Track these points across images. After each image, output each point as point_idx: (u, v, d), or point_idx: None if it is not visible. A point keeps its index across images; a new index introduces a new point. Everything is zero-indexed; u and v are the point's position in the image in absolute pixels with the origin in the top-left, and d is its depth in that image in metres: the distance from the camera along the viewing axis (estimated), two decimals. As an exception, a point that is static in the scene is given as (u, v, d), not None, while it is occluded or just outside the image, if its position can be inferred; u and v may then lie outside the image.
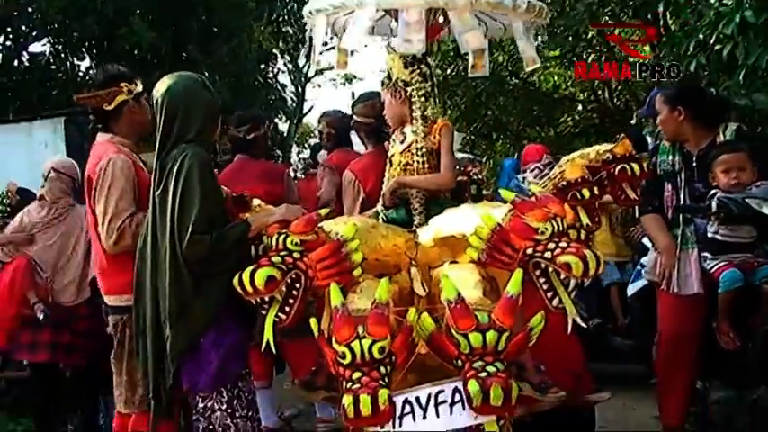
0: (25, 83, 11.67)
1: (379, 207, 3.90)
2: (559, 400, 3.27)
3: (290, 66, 19.48)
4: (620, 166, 3.34)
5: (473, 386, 2.53)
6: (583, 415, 4.13)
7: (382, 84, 4.11)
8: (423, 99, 3.82)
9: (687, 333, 4.09)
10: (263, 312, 2.89)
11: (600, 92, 14.06)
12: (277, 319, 2.86)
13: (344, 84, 23.44)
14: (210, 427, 3.16)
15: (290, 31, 14.78)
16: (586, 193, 3.25)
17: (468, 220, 3.06)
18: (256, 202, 3.56)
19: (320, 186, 5.48)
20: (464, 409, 2.62)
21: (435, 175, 3.76)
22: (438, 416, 2.65)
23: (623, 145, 3.43)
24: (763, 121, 7.64)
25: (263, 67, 13.97)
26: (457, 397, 2.64)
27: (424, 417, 2.64)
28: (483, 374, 2.56)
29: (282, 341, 4.63)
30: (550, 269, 2.79)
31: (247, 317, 3.19)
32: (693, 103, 4.19)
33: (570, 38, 11.44)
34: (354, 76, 23.34)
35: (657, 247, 4.22)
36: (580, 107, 14.65)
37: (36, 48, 12.07)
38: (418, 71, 3.81)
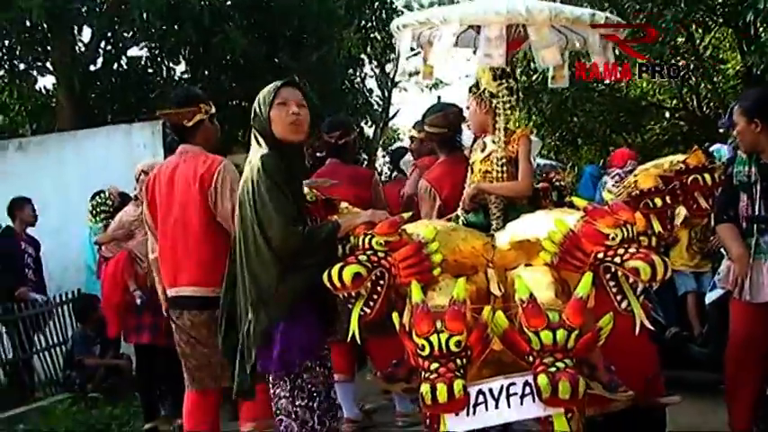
0: (124, 86, 12.16)
1: (459, 211, 4.09)
2: (629, 399, 3.42)
3: (377, 70, 19.71)
4: (692, 177, 3.47)
5: (542, 380, 2.73)
6: (654, 416, 4.23)
7: (470, 90, 4.28)
8: (507, 112, 4.01)
9: (757, 339, 4.18)
10: (350, 306, 3.12)
11: (688, 99, 13.94)
12: (362, 313, 3.09)
13: (431, 89, 23.59)
14: (277, 411, 3.37)
15: (378, 37, 15.04)
16: (659, 201, 3.41)
17: (542, 225, 3.22)
18: (344, 205, 3.80)
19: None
20: (534, 401, 2.82)
21: (513, 182, 3.94)
22: (509, 406, 2.86)
23: (696, 156, 3.56)
24: None
25: (350, 72, 14.27)
26: (527, 390, 2.84)
27: (497, 406, 2.86)
28: (552, 369, 2.76)
29: (366, 337, 4.92)
30: (620, 273, 2.94)
31: (324, 316, 3.42)
32: None
33: (658, 44, 11.38)
34: (441, 81, 23.52)
35: (731, 256, 4.32)
36: (668, 114, 14.54)
37: (134, 52, 12.57)
38: (506, 84, 3.99)
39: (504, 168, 3.96)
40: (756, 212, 4.21)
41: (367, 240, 3.12)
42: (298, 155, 3.51)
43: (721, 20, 12.20)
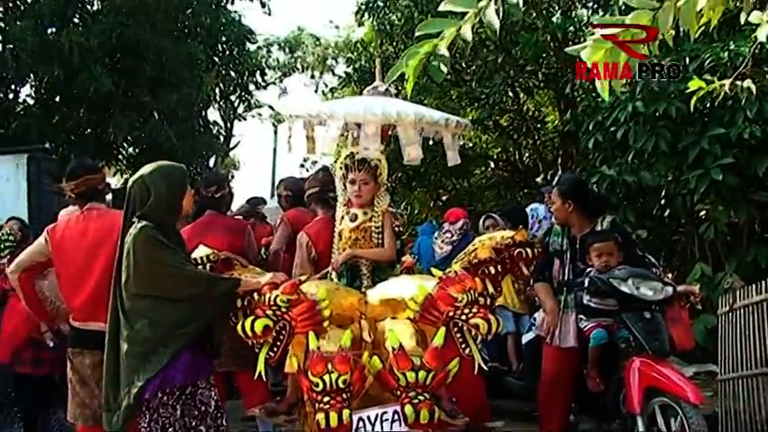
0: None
1: (333, 274, 4.72)
2: (465, 424, 4.37)
3: (222, 102, 20.15)
4: (518, 250, 4.47)
5: (409, 409, 3.63)
6: (482, 439, 5.20)
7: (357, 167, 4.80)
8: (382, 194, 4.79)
9: (564, 377, 5.20)
10: (257, 351, 3.90)
11: (511, 150, 15.36)
12: (268, 357, 3.88)
13: (276, 123, 24.17)
14: None
15: (232, 75, 15.59)
16: (492, 269, 4.39)
17: (407, 287, 4.13)
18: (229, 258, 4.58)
19: (274, 236, 6.50)
20: (401, 425, 3.72)
21: (381, 249, 4.68)
22: (382, 430, 3.73)
23: (521, 234, 4.59)
24: (648, 196, 8.94)
25: (203, 110, 14.77)
26: (396, 416, 3.74)
27: (373, 430, 3.72)
28: (416, 401, 3.65)
29: (239, 372, 5.61)
30: (465, 327, 3.88)
31: (198, 360, 4.05)
32: (580, 198, 5.33)
33: (487, 105, 12.63)
34: (283, 119, 24.09)
35: (545, 309, 5.34)
36: (492, 164, 15.92)
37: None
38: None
39: (372, 237, 4.69)
40: (565, 276, 5.27)
41: (273, 298, 3.88)
42: (172, 229, 4.21)
43: (542, 84, 13.68)
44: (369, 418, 3.74)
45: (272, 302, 3.87)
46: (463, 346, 3.92)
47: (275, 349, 3.88)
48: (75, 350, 4.56)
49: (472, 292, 3.95)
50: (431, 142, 5.01)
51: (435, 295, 3.95)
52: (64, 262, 4.65)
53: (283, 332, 3.87)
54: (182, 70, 11.99)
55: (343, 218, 4.84)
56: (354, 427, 3.70)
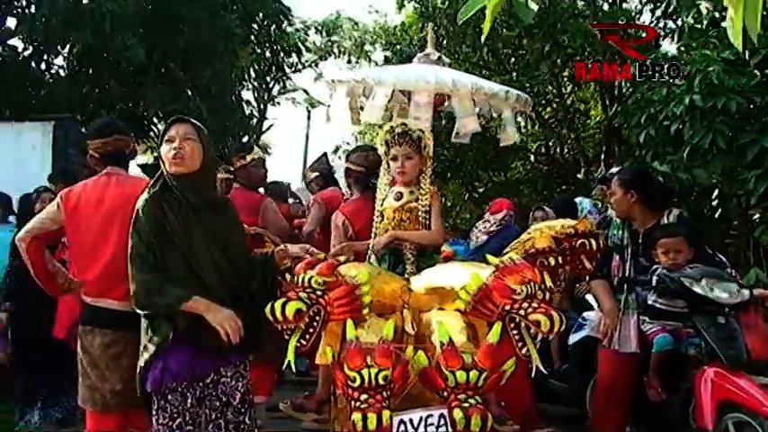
0: (4, 79, 11.65)
1: (373, 257, 4.33)
2: (513, 431, 3.92)
3: (256, 83, 19.78)
4: (580, 241, 4.00)
5: (458, 414, 3.15)
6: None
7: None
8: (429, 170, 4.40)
9: (622, 384, 4.73)
10: (287, 337, 3.45)
11: (551, 144, 14.86)
12: (299, 345, 3.42)
13: (310, 107, 23.83)
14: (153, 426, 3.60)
15: (267, 54, 15.24)
16: (552, 260, 3.93)
17: (458, 275, 3.66)
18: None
19: (307, 217, 6.13)
20: (447, 431, 3.24)
21: (428, 232, 4.24)
22: (426, 436, 3.26)
23: (584, 223, 4.11)
24: (702, 195, 8.45)
25: (237, 87, 14.42)
26: (442, 421, 3.25)
27: (415, 435, 3.26)
28: (466, 405, 3.18)
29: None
30: (523, 324, 3.41)
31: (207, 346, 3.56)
32: (644, 188, 4.85)
33: (531, 95, 12.12)
34: (320, 102, 23.80)
35: (603, 309, 4.86)
36: (532, 157, 15.43)
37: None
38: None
39: (419, 218, 4.26)
40: (627, 273, 4.80)
41: (307, 279, 3.43)
42: (192, 186, 3.64)
43: (589, 75, 13.16)
44: (411, 421, 3.26)
45: (306, 284, 3.42)
46: (520, 344, 3.45)
47: (307, 336, 3.43)
48: (86, 328, 4.10)
49: (532, 284, 3.48)
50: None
51: (491, 285, 3.47)
52: (77, 230, 4.18)
53: (317, 318, 3.42)
54: (217, 44, 11.52)
55: (386, 197, 4.40)
56: (395, 430, 3.24)
